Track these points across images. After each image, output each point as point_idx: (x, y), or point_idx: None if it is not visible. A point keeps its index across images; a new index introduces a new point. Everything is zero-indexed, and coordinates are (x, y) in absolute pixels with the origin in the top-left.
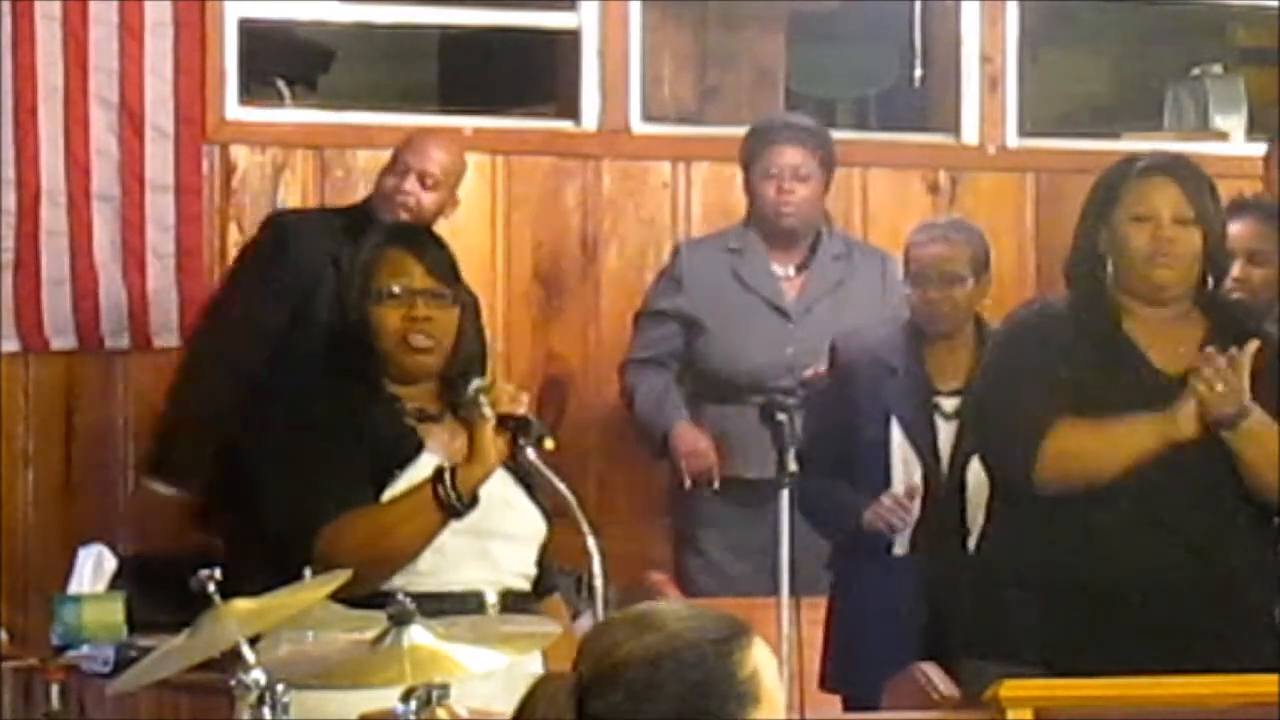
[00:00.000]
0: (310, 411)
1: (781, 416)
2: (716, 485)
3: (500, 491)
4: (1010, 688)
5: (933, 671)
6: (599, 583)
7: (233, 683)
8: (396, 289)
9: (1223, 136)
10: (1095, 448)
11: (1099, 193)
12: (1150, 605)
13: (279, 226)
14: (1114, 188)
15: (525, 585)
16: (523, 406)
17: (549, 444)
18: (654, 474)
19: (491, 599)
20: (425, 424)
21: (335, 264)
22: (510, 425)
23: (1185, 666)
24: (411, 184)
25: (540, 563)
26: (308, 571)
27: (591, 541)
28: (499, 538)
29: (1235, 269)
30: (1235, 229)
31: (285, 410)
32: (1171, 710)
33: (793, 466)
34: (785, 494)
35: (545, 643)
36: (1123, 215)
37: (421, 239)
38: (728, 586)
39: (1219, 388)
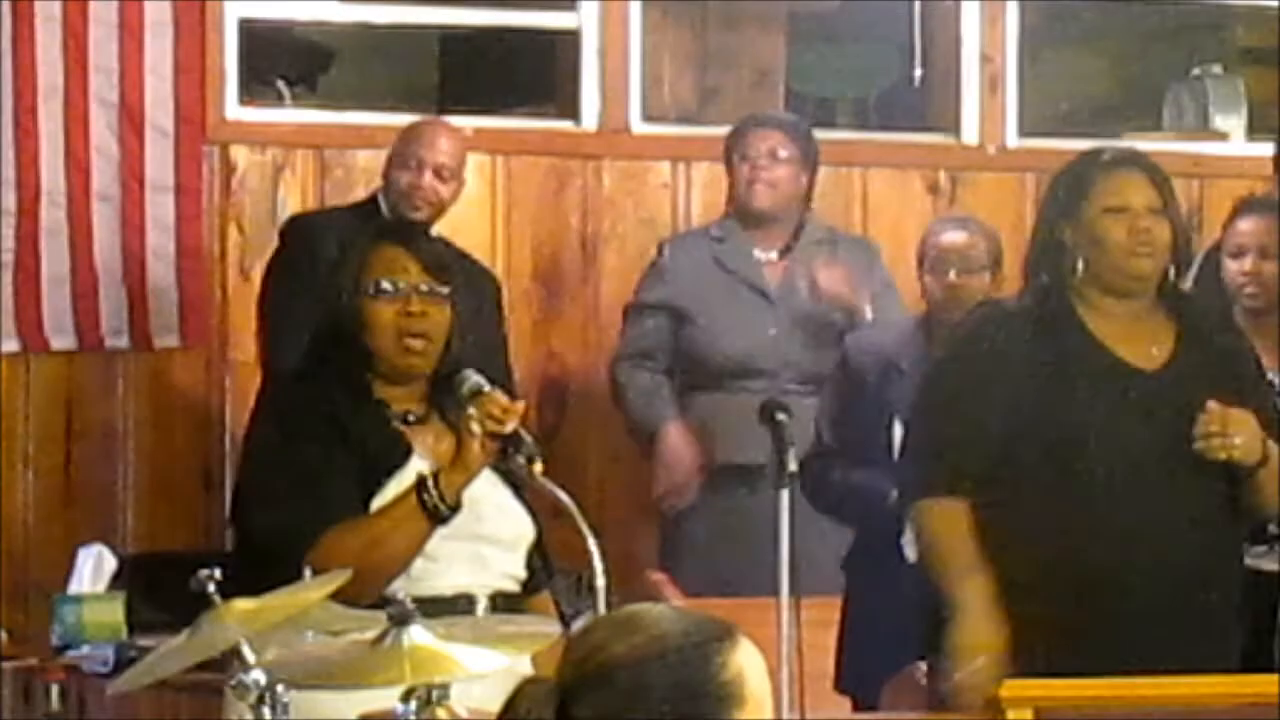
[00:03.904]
0: (297, 420)
1: (781, 416)
2: (689, 500)
3: (491, 495)
4: (1010, 688)
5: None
6: (600, 583)
7: (232, 683)
8: (391, 285)
9: (1223, 136)
10: None
11: (1063, 188)
12: (1140, 601)
13: (301, 228)
14: (1081, 181)
15: (515, 586)
16: (512, 425)
17: (538, 467)
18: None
19: (482, 602)
20: (411, 427)
21: None
22: (500, 439)
23: (1162, 663)
24: (429, 179)
25: (529, 564)
26: (307, 572)
27: (592, 542)
28: (489, 541)
29: (1247, 263)
30: (1246, 225)
31: (272, 419)
32: (1171, 710)
33: (792, 467)
34: (785, 494)
35: (545, 642)
36: (1095, 208)
37: (416, 235)
38: (714, 571)
39: (1238, 441)
